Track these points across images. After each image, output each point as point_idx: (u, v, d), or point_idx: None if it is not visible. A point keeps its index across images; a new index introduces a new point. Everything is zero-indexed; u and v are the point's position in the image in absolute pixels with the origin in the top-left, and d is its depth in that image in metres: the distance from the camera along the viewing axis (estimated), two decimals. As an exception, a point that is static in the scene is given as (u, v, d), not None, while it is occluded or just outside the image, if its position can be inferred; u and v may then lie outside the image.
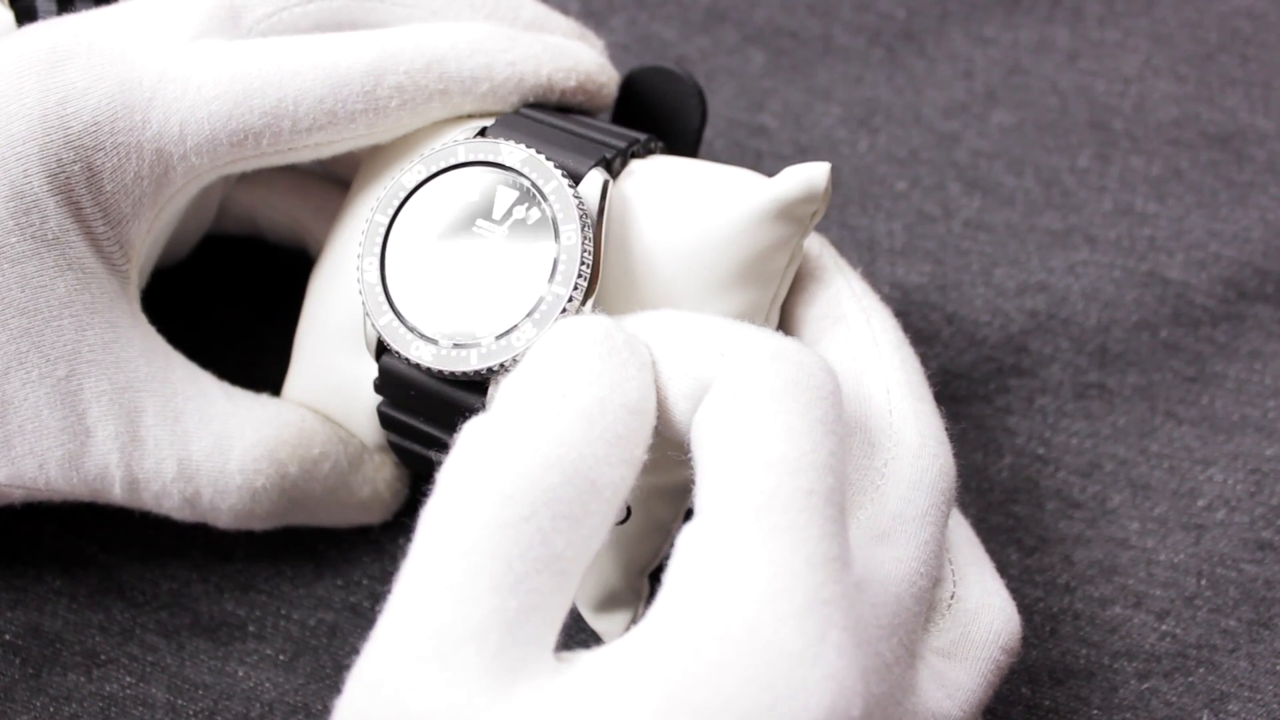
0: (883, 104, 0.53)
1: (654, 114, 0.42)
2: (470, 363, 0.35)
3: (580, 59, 0.40)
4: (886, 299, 0.49)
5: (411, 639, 0.29)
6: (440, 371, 0.35)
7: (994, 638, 0.35)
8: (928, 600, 0.33)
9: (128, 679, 0.42)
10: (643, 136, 0.39)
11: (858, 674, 0.29)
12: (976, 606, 0.35)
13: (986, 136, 0.52)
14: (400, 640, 0.29)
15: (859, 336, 0.37)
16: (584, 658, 0.30)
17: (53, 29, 0.38)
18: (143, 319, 0.39)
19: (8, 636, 0.43)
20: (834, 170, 0.51)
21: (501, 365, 0.35)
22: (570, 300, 0.34)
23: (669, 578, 0.30)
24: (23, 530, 0.44)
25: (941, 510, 0.34)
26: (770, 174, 0.37)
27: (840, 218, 0.50)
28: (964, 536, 0.38)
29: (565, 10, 0.54)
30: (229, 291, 0.48)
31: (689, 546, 0.30)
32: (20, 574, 0.44)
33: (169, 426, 0.38)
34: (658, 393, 0.33)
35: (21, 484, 0.38)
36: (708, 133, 0.52)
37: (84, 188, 0.37)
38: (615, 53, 0.53)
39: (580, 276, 0.35)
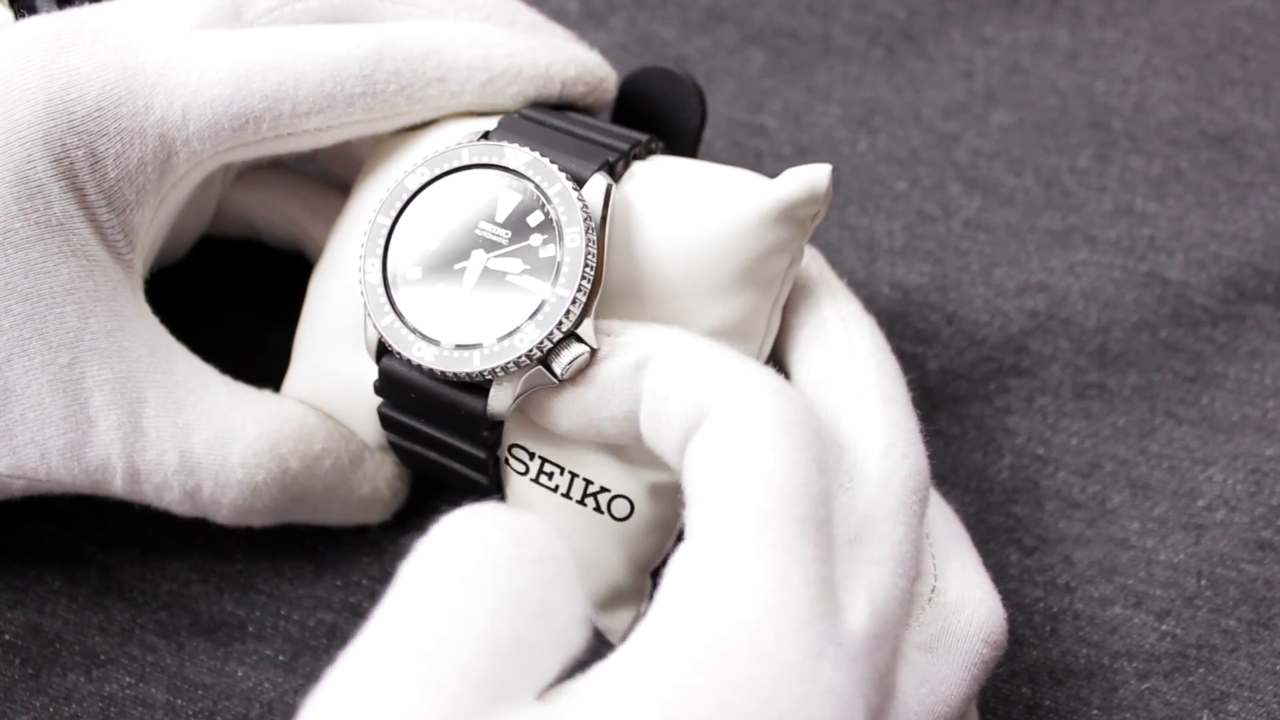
0: (883, 104, 0.53)
1: (654, 114, 0.42)
2: (473, 364, 0.35)
3: (578, 53, 0.41)
4: (886, 299, 0.49)
5: (395, 655, 0.29)
6: (442, 373, 0.35)
7: (976, 630, 0.35)
8: (908, 600, 0.34)
9: (128, 679, 0.42)
10: (643, 137, 0.39)
11: (854, 686, 0.29)
12: (957, 599, 0.35)
13: (986, 136, 0.52)
14: (383, 654, 0.29)
15: (835, 342, 0.37)
16: (575, 685, 0.30)
17: (57, 18, 0.38)
18: (146, 309, 0.39)
19: (8, 636, 0.43)
20: (834, 170, 0.51)
21: (504, 367, 0.35)
22: (574, 302, 0.35)
23: (660, 595, 0.30)
24: (23, 530, 0.44)
25: (913, 509, 0.34)
26: (770, 174, 0.37)
27: (840, 218, 0.50)
28: (950, 531, 0.38)
29: (565, 9, 0.54)
30: (229, 291, 0.48)
31: (683, 564, 0.30)
32: (20, 574, 0.44)
33: (171, 418, 0.38)
34: (655, 412, 0.34)
35: (23, 474, 0.38)
36: (708, 133, 0.52)
37: (88, 173, 0.37)
38: (615, 53, 0.53)
39: (584, 279, 0.35)
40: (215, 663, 0.42)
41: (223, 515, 0.40)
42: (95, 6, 0.39)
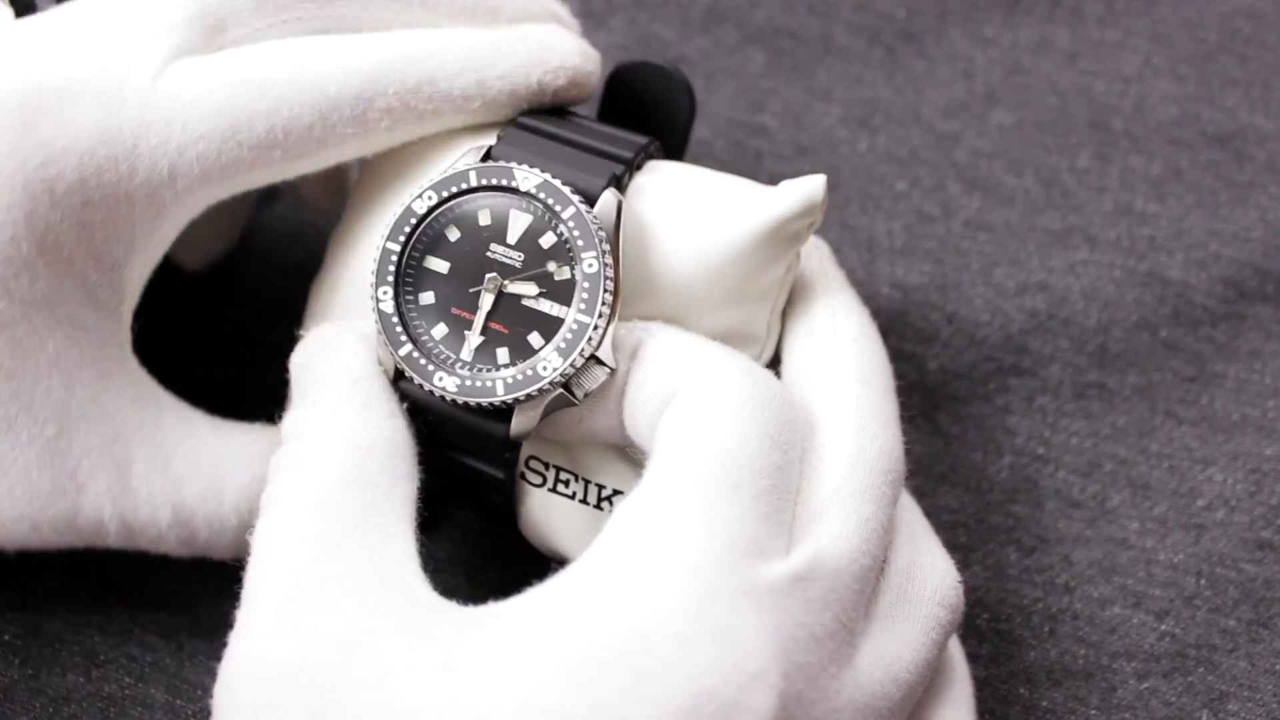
0: (883, 104, 0.53)
1: (643, 109, 0.41)
2: (496, 393, 0.35)
3: (566, 55, 0.39)
4: (886, 299, 0.49)
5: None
6: (465, 403, 0.35)
7: (930, 594, 0.35)
8: (869, 579, 0.34)
9: (127, 679, 0.42)
10: (644, 141, 0.38)
11: (758, 633, 0.30)
12: (908, 566, 0.35)
13: (986, 136, 0.52)
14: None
15: (820, 329, 0.38)
16: (501, 606, 0.32)
17: (15, 70, 0.35)
18: (132, 361, 0.39)
19: (7, 637, 0.43)
20: (834, 170, 0.51)
21: (527, 395, 0.34)
22: (595, 329, 0.34)
23: (593, 545, 0.32)
24: (23, 530, 0.44)
25: (882, 489, 0.35)
26: (770, 176, 0.37)
27: (840, 218, 0.50)
28: (899, 503, 0.38)
29: (565, 10, 0.54)
30: (225, 291, 0.48)
31: (614, 518, 0.32)
32: (20, 574, 0.44)
33: (160, 474, 0.38)
34: (634, 396, 0.35)
35: (14, 544, 0.38)
36: (708, 133, 0.52)
37: (74, 242, 0.36)
38: (615, 53, 0.53)
39: (604, 304, 0.34)
40: (215, 663, 0.42)
41: (222, 555, 0.40)
42: (58, 41, 0.36)
